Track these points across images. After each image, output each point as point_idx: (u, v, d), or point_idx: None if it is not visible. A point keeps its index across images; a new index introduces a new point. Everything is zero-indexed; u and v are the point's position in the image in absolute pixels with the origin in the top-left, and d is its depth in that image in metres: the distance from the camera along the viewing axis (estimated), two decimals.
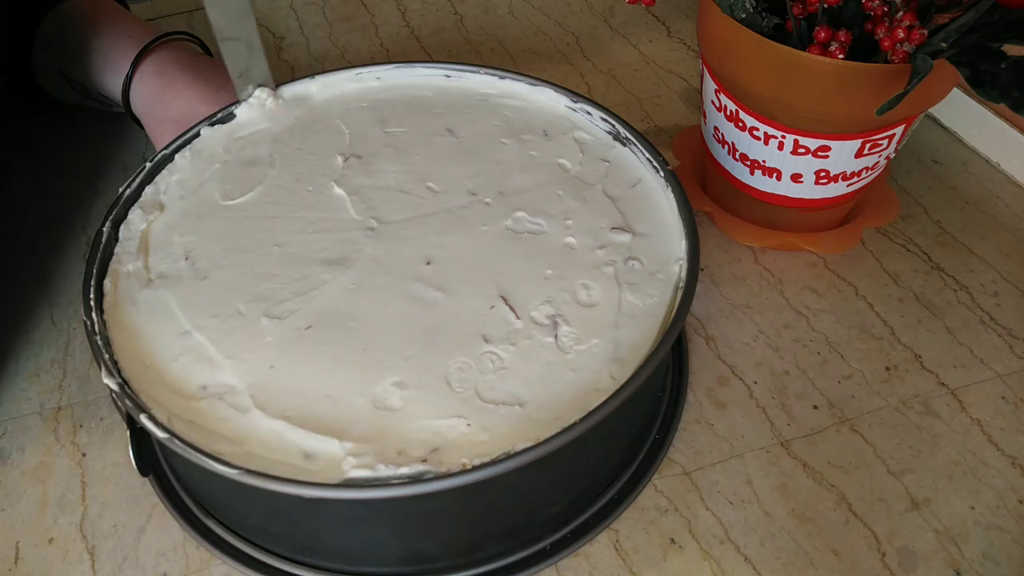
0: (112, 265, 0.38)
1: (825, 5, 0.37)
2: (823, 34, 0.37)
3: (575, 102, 0.44)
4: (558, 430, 0.30)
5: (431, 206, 0.40)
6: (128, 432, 0.34)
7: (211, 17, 0.36)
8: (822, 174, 0.43)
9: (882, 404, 0.41)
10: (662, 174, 0.40)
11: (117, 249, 0.38)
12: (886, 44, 0.36)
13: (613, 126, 0.43)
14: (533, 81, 0.45)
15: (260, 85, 0.42)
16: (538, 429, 0.31)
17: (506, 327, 0.35)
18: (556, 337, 0.34)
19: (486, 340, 0.34)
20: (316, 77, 0.45)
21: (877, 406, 0.41)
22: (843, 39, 0.37)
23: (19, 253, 0.48)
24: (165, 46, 0.49)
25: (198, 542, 0.36)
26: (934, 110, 0.56)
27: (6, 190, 0.48)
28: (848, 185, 0.44)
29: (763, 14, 0.39)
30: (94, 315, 0.35)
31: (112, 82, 0.49)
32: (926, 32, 0.36)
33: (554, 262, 0.37)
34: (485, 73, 0.46)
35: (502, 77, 0.45)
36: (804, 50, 0.38)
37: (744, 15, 0.39)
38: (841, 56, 0.37)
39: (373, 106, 0.45)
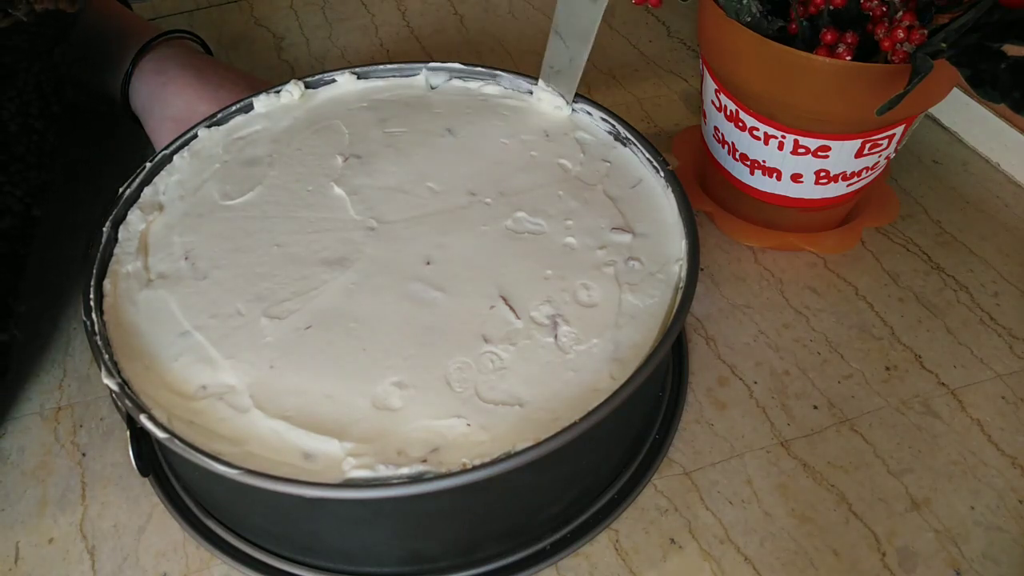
0: (112, 266, 0.38)
1: (831, 7, 0.37)
2: (829, 36, 0.37)
3: (575, 102, 0.44)
4: (558, 430, 0.30)
5: (431, 206, 0.40)
6: (128, 432, 0.34)
7: (558, 9, 0.36)
8: (822, 174, 0.43)
9: (882, 404, 0.41)
10: (662, 174, 0.40)
11: (116, 250, 0.38)
12: (886, 44, 0.36)
13: (613, 126, 0.42)
14: (534, 81, 0.45)
15: (560, 95, 0.42)
16: (538, 429, 0.31)
17: (506, 327, 0.35)
18: (556, 337, 0.34)
19: (486, 340, 0.34)
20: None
21: (877, 406, 0.41)
22: (850, 41, 0.37)
23: None
24: (165, 44, 0.49)
25: (198, 542, 0.36)
26: (934, 110, 0.56)
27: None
28: (848, 185, 0.44)
29: (768, 18, 0.39)
30: (94, 315, 0.35)
31: (112, 80, 0.49)
32: (926, 32, 0.36)
33: (554, 262, 0.37)
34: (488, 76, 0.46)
35: (501, 79, 0.45)
36: (810, 52, 0.38)
37: (749, 18, 0.39)
38: (848, 58, 0.37)
39: (373, 106, 0.45)
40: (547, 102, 0.43)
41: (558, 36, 0.36)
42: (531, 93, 0.45)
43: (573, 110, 0.43)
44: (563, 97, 0.40)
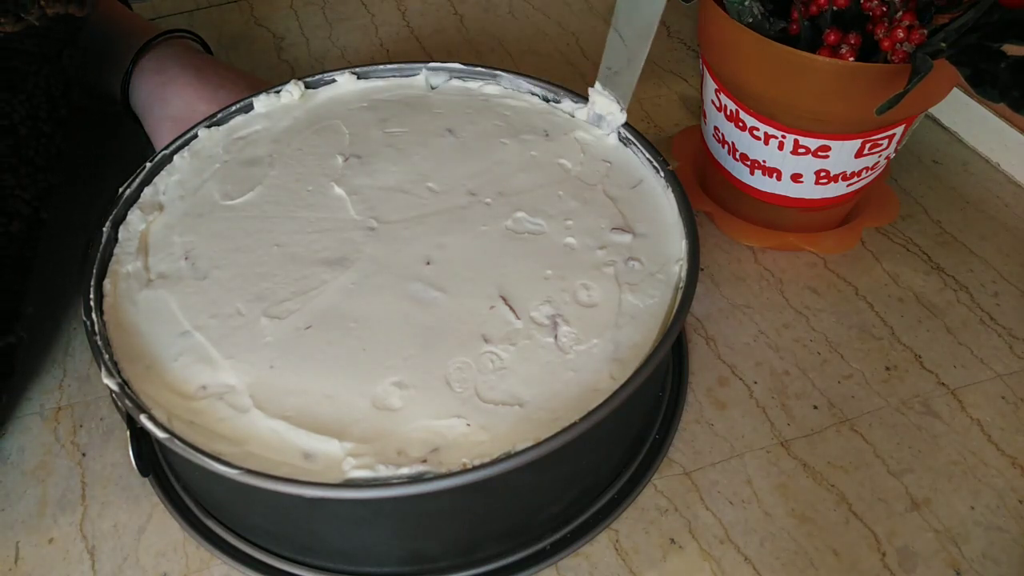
0: (112, 266, 0.38)
1: (835, 8, 0.37)
2: (833, 37, 0.37)
3: (575, 103, 0.44)
4: (558, 430, 0.30)
5: (431, 206, 0.40)
6: (128, 432, 0.35)
7: (618, 4, 0.34)
8: (822, 174, 0.43)
9: (882, 404, 0.41)
10: (662, 174, 0.40)
11: (116, 250, 0.38)
12: (886, 44, 0.36)
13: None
14: (534, 81, 0.45)
15: (616, 100, 0.39)
16: (538, 429, 0.31)
17: (506, 327, 0.35)
18: (556, 337, 0.34)
19: (486, 340, 0.34)
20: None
21: (877, 406, 0.41)
22: (853, 42, 0.37)
23: None
24: (165, 43, 0.49)
25: (198, 542, 0.36)
26: (934, 110, 0.56)
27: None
28: (848, 185, 0.44)
29: (770, 19, 0.39)
30: (94, 315, 0.35)
31: (112, 79, 0.49)
32: (926, 32, 0.36)
33: (554, 262, 0.37)
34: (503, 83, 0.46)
35: (503, 80, 0.45)
36: (811, 53, 0.38)
37: (751, 20, 0.39)
38: (852, 59, 0.37)
39: (373, 106, 0.45)
40: (601, 105, 0.40)
41: (617, 34, 0.35)
42: (533, 93, 0.45)
43: (625, 125, 0.41)
44: (619, 103, 0.38)
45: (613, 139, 0.42)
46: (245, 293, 0.36)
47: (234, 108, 0.44)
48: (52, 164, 0.41)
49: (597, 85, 0.39)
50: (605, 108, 0.38)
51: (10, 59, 0.39)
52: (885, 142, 0.42)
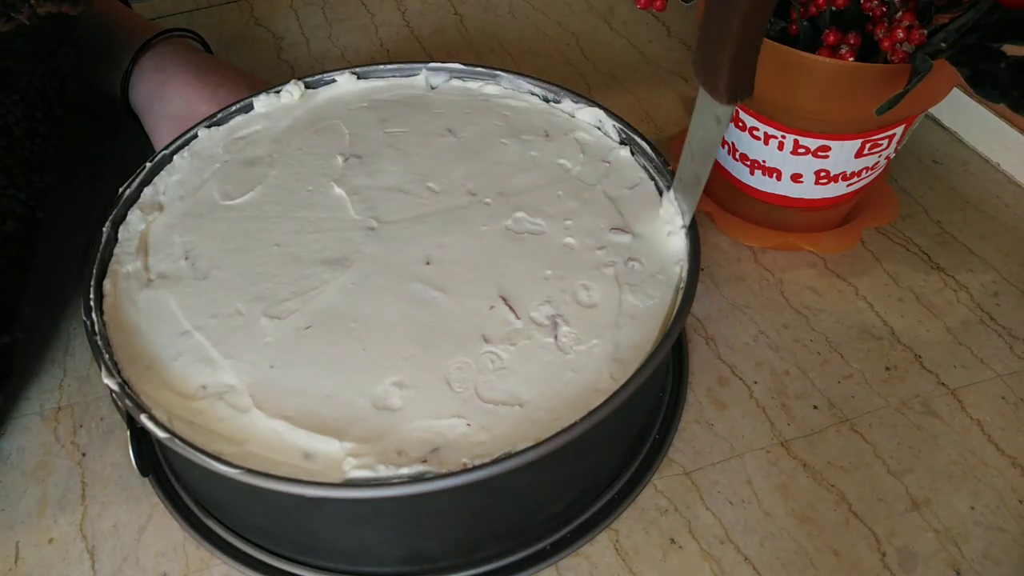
0: (111, 266, 0.38)
1: (833, 8, 0.37)
2: (832, 37, 0.37)
3: (575, 103, 0.44)
4: (558, 430, 0.30)
5: (431, 206, 0.40)
6: (128, 432, 0.34)
7: (692, 125, 0.36)
8: (822, 174, 0.43)
9: (882, 404, 0.41)
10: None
11: (116, 250, 0.38)
12: (886, 44, 0.36)
13: (613, 126, 0.42)
14: (534, 81, 0.45)
15: (681, 213, 0.38)
16: (538, 429, 0.31)
17: (506, 327, 0.35)
18: (556, 337, 0.34)
19: (486, 340, 0.34)
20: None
21: (877, 406, 0.41)
22: (852, 42, 0.37)
23: None
24: (166, 42, 0.49)
25: (198, 542, 0.36)
26: (934, 110, 0.56)
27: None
28: (848, 185, 0.44)
29: (770, 20, 0.39)
30: (94, 315, 0.35)
31: (112, 78, 0.49)
32: (926, 32, 0.36)
33: (554, 262, 0.37)
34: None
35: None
36: (811, 53, 0.38)
37: None
38: (851, 59, 0.37)
39: (373, 106, 0.45)
40: (667, 212, 0.39)
41: (689, 152, 0.36)
42: (533, 93, 0.45)
43: (687, 229, 0.39)
44: (682, 215, 0.38)
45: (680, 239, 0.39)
46: (245, 293, 0.36)
47: (234, 108, 0.44)
48: (48, 164, 0.41)
49: (671, 192, 0.40)
50: (669, 216, 0.39)
51: (3, 59, 0.39)
52: (885, 142, 0.42)
